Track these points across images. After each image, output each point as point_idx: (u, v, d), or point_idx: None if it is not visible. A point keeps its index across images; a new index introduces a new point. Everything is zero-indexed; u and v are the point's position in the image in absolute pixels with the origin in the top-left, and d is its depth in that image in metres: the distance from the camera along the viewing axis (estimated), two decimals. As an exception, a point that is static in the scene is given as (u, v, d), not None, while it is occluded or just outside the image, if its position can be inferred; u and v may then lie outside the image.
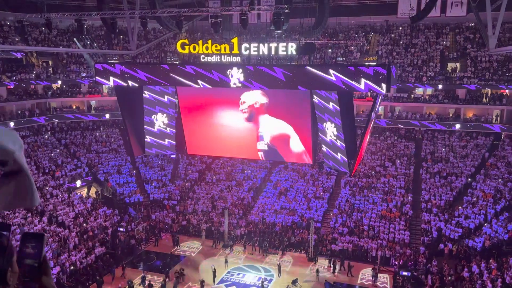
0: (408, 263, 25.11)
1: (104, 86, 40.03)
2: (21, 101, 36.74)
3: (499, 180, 30.27)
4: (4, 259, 1.32)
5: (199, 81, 17.51)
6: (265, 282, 23.05)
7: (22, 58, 38.40)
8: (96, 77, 19.38)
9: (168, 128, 20.72)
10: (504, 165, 31.64)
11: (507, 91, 34.51)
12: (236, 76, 17.52)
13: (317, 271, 25.21)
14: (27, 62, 38.92)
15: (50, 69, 40.21)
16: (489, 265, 23.05)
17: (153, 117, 20.48)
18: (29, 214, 27.85)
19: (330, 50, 40.41)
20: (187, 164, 38.44)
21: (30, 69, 38.37)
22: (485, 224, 26.90)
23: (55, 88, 39.62)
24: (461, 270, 23.70)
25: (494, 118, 35.05)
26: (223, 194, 34.26)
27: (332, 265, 25.94)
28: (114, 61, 38.51)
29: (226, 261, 26.07)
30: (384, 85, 14.91)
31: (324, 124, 17.79)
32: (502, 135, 34.46)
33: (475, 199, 29.37)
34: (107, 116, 40.07)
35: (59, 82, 39.20)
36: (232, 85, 17.50)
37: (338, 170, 32.31)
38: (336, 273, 25.47)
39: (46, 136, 37.49)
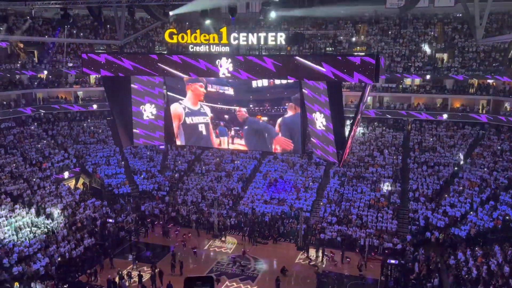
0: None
1: (91, 76, 39.50)
2: (6, 91, 36.13)
3: (485, 169, 30.73)
4: None
5: (187, 71, 17.37)
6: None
7: (6, 48, 37.67)
8: (83, 68, 19.06)
9: (157, 119, 20.56)
10: (490, 155, 32.11)
11: (493, 81, 34.89)
12: (225, 66, 17.29)
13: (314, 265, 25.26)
14: (12, 52, 38.18)
15: (36, 59, 39.52)
16: (474, 252, 23.48)
17: (141, 107, 20.26)
18: (17, 206, 27.56)
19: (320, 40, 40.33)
20: (176, 155, 38.31)
21: (15, 59, 37.65)
22: (471, 213, 27.35)
23: (41, 78, 38.98)
24: (447, 258, 24.13)
25: (481, 108, 35.46)
26: (213, 185, 34.26)
27: (320, 255, 26.19)
28: (101, 51, 38.07)
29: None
30: (372, 75, 14.88)
31: (314, 114, 17.77)
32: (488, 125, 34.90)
33: (461, 188, 29.79)
34: (95, 106, 39.63)
35: (45, 72, 38.59)
36: (221, 75, 17.30)
37: (327, 160, 32.53)
38: (323, 262, 25.67)
39: (32, 127, 36.97)
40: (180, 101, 20.03)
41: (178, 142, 21.08)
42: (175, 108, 20.31)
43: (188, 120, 20.20)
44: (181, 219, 31.26)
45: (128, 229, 29.16)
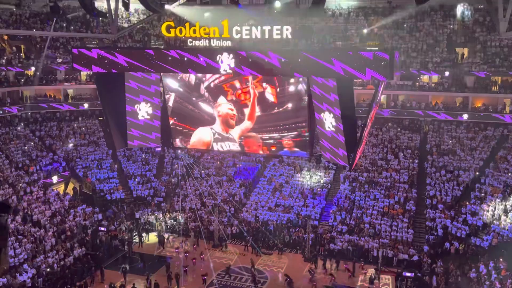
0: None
1: (82, 73, 39.68)
2: (-9, 89, 36.40)
3: (509, 174, 30.56)
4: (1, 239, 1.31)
5: (185, 67, 17.42)
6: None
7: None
8: (74, 64, 19.10)
9: (153, 119, 20.59)
10: (514, 158, 31.98)
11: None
12: (226, 62, 17.20)
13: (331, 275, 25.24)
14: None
15: (22, 55, 39.71)
16: (497, 265, 23.34)
17: (136, 106, 20.24)
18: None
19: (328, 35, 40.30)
20: (173, 158, 38.40)
21: (0, 54, 37.85)
22: (494, 222, 27.20)
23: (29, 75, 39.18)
24: (468, 271, 23.98)
25: (506, 107, 35.18)
26: (213, 190, 34.30)
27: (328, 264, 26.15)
28: (92, 45, 38.19)
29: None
30: (386, 72, 14.83)
31: (322, 114, 17.67)
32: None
33: (483, 194, 29.66)
34: (86, 105, 39.81)
35: (33, 68, 38.76)
36: (222, 71, 17.20)
37: (337, 164, 32.52)
38: (334, 273, 25.61)
39: (19, 128, 37.13)
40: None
41: (178, 144, 21.07)
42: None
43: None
44: (178, 228, 31.29)
45: (121, 238, 29.20)
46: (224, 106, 19.44)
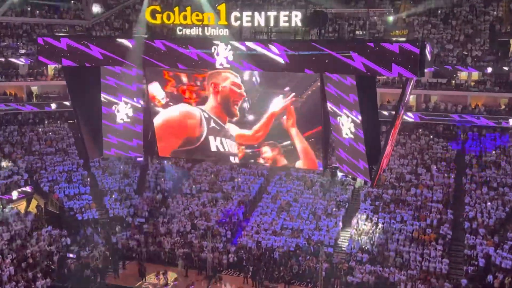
0: None
1: (49, 67, 39.84)
2: None
3: None
4: None
5: (174, 61, 17.54)
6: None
7: None
8: (39, 56, 19.25)
9: (134, 123, 20.70)
10: None
11: None
12: (223, 54, 17.50)
13: None
14: None
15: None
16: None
17: (114, 108, 20.44)
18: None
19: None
20: (158, 170, 38.27)
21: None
22: (547, 250, 27.09)
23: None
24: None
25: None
26: (206, 210, 34.23)
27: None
28: (62, 34, 38.38)
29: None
30: (416, 68, 14.99)
31: (339, 118, 17.84)
32: None
33: (534, 216, 29.57)
34: (53, 106, 39.90)
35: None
36: (218, 66, 17.52)
37: (356, 179, 32.55)
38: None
39: (-28, 133, 37.31)
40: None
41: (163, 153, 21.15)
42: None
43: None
44: (164, 255, 31.22)
45: (94, 266, 29.13)
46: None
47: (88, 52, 18.40)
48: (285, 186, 35.71)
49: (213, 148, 20.44)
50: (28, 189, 34.67)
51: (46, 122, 40.63)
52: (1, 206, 31.54)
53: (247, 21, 18.43)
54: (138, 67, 19.41)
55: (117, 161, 38.23)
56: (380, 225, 31.25)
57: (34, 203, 34.69)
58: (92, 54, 18.34)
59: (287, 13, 18.19)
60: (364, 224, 31.53)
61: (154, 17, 19.02)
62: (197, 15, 18.77)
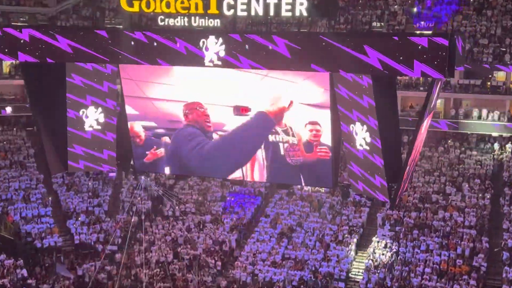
0: None
1: (4, 63, 39.64)
2: None
3: None
4: None
5: (154, 56, 17.53)
6: None
7: None
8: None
9: (105, 131, 20.61)
10: None
11: None
12: (213, 49, 17.28)
13: None
14: None
15: None
16: None
17: (81, 112, 20.27)
18: None
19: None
20: (134, 188, 38.01)
21: None
22: None
23: None
24: None
25: None
26: (191, 236, 34.03)
27: None
28: (22, 24, 38.19)
29: None
30: (444, 66, 14.90)
31: (352, 126, 17.75)
32: None
33: None
34: (8, 110, 39.69)
35: None
36: (207, 63, 17.28)
37: (373, 199, 32.40)
38: None
39: None
40: None
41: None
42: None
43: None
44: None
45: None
46: None
47: (55, 45, 18.26)
48: (287, 208, 35.60)
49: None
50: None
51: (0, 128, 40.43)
52: None
53: (242, 10, 18.37)
54: (113, 63, 19.33)
55: (84, 177, 38.18)
56: (401, 255, 31.12)
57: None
58: (60, 47, 18.19)
59: (290, 0, 18.16)
60: (382, 254, 31.43)
61: (130, 4, 18.94)
62: (182, 2, 18.68)
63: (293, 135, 19.03)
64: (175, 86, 19.87)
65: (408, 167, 17.41)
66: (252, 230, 34.63)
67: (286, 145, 19.16)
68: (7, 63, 39.75)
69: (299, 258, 31.80)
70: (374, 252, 31.69)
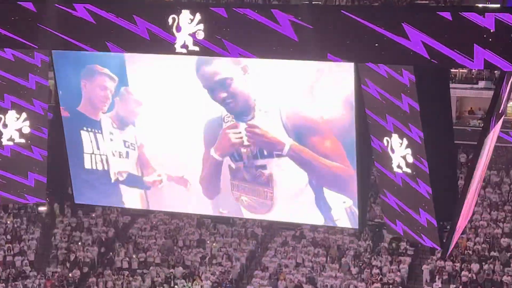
0: None
1: None
2: None
3: None
4: None
5: (103, 39, 17.23)
6: None
7: None
8: None
9: (31, 145, 20.30)
10: None
11: None
12: (187, 29, 17.00)
13: None
14: None
15: None
16: None
17: (-3, 119, 20.45)
18: None
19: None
20: (72, 228, 38.03)
21: None
22: None
23: None
24: None
25: None
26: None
27: None
28: None
29: None
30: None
31: (386, 140, 17.49)
32: None
33: None
34: None
35: None
36: (179, 49, 17.03)
37: (417, 244, 32.14)
38: None
39: None
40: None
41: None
42: None
43: None
44: None
45: None
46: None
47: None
48: (293, 257, 35.32)
49: None
50: None
51: None
52: None
53: (228, -24, 18.30)
54: (43, 50, 19.24)
55: (1, 212, 38.40)
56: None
57: None
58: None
59: (295, -37, 17.96)
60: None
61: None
62: (144, -35, 18.69)
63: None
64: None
65: (467, 199, 16.94)
66: (244, 288, 34.50)
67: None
68: None
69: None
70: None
